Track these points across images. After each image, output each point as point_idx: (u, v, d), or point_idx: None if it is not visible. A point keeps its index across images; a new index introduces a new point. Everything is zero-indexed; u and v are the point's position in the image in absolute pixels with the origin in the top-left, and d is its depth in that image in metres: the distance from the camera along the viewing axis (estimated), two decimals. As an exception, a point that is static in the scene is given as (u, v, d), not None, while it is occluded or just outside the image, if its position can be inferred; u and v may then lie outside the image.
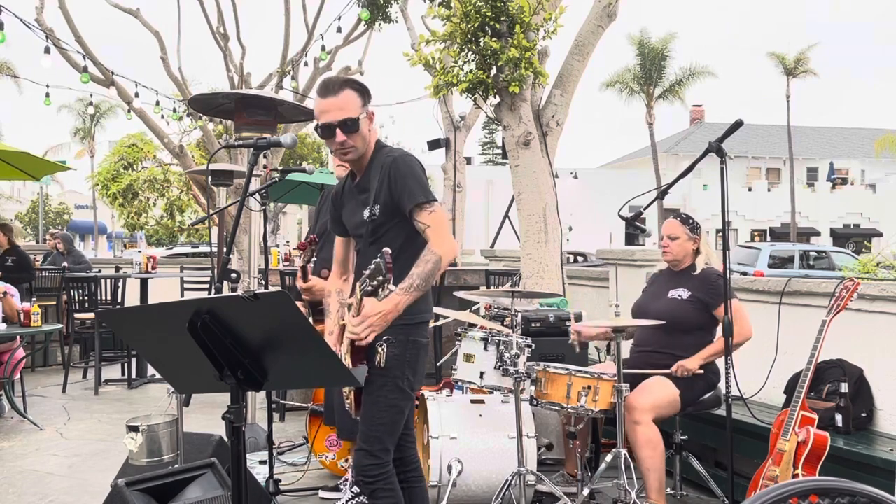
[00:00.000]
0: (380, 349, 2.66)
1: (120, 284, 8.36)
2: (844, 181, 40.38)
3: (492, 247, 11.25)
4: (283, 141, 2.93)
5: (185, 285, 9.42)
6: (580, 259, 17.05)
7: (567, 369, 3.73)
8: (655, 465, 3.65)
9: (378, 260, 2.41)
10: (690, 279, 4.01)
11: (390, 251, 2.44)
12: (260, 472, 4.29)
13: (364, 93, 2.75)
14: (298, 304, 4.10)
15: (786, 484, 1.62)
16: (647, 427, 3.67)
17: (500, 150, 8.50)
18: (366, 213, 2.74)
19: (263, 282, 5.08)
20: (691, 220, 4.08)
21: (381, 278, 2.42)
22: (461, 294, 4.11)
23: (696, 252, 4.05)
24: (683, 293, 3.98)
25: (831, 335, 3.42)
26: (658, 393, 3.78)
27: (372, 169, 2.78)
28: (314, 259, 3.55)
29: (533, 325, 4.60)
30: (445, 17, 5.76)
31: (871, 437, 3.82)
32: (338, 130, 2.69)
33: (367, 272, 2.47)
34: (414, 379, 2.79)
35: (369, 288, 2.47)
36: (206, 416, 5.79)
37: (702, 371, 3.84)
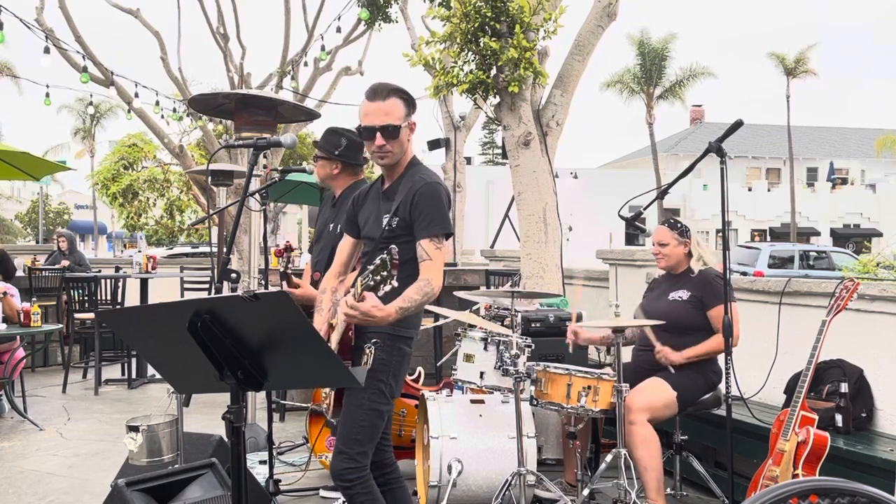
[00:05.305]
0: (367, 350, 2.67)
1: (120, 284, 8.36)
2: (844, 181, 40.34)
3: (492, 247, 11.24)
4: (283, 141, 2.94)
5: (185, 285, 9.41)
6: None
7: (567, 369, 3.73)
8: (652, 465, 3.65)
9: (385, 256, 2.40)
10: (689, 280, 4.04)
11: (398, 249, 2.44)
12: (260, 472, 4.29)
13: (410, 103, 2.81)
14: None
15: (786, 484, 1.62)
16: (642, 426, 3.67)
17: (500, 150, 8.50)
18: (384, 221, 2.78)
19: (263, 282, 5.08)
20: (679, 225, 4.11)
21: (385, 273, 2.40)
22: (461, 294, 4.11)
23: (689, 255, 4.09)
24: (684, 294, 4.01)
25: (831, 335, 3.41)
26: (653, 394, 3.78)
27: (402, 182, 2.82)
28: (291, 266, 3.62)
29: (533, 325, 4.60)
30: (445, 18, 5.76)
31: (871, 437, 3.82)
32: (378, 134, 2.74)
33: (372, 267, 2.45)
34: (395, 386, 2.82)
35: (371, 283, 2.46)
36: (206, 416, 5.79)
37: (682, 369, 3.84)
